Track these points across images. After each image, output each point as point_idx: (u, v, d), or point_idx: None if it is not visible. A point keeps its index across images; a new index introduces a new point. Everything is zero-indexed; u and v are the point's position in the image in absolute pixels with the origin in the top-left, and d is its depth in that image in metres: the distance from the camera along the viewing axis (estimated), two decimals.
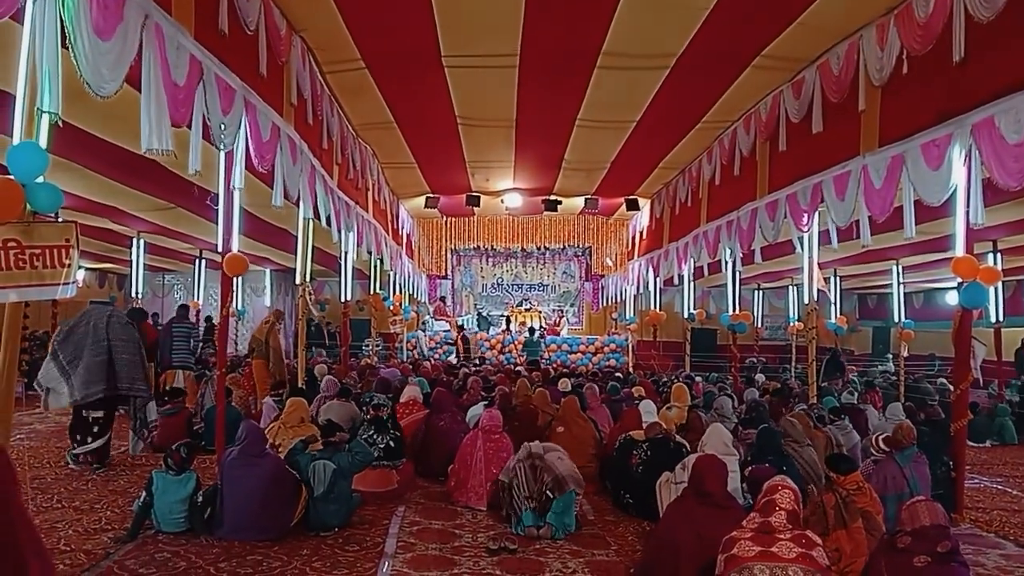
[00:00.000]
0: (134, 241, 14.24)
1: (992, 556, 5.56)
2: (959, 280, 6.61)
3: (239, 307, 17.84)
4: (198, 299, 17.19)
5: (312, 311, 9.77)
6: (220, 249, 6.69)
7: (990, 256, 12.01)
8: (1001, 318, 14.05)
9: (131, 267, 14.70)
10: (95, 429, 7.45)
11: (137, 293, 14.53)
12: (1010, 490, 8.11)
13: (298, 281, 9.24)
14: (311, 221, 9.22)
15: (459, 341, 19.58)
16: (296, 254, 9.15)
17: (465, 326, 21.88)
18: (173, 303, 20.34)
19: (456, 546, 5.37)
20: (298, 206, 8.76)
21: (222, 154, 6.49)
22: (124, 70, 4.53)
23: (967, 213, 6.28)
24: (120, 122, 5.57)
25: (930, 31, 6.52)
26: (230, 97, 6.26)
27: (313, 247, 9.57)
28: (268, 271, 21.02)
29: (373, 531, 5.64)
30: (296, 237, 9.13)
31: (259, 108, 7.01)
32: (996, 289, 13.07)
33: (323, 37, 8.66)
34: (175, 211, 11.71)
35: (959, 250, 6.49)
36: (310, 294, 9.52)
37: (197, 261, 17.15)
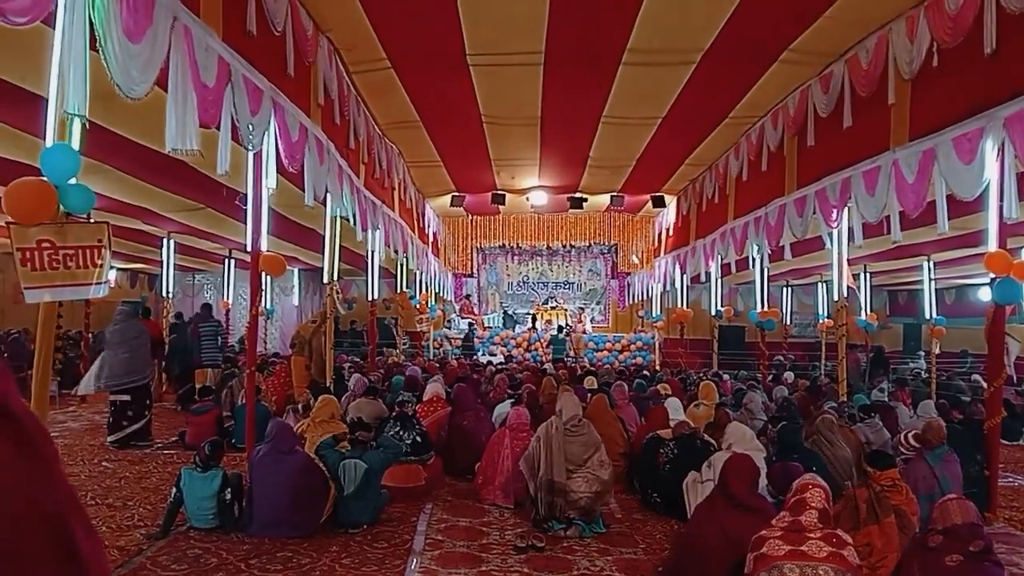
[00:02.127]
0: (164, 241, 14.42)
1: None
2: (992, 276, 6.51)
3: (268, 306, 18.01)
4: (228, 298, 17.38)
5: (339, 309, 9.82)
6: (249, 249, 6.75)
7: None
8: None
9: (162, 267, 14.88)
10: (129, 412, 8.65)
11: (167, 293, 14.71)
12: None
13: (326, 280, 9.31)
14: (339, 220, 9.28)
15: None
16: (323, 253, 9.21)
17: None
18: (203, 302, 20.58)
19: (484, 543, 5.39)
20: (325, 206, 8.83)
21: (250, 155, 6.55)
22: (154, 72, 4.60)
23: (1000, 207, 6.19)
24: (150, 124, 5.63)
25: (961, 23, 6.42)
26: (258, 98, 6.32)
27: (340, 246, 9.63)
28: (296, 270, 21.20)
29: (401, 528, 5.68)
30: (323, 236, 9.19)
31: (287, 109, 7.07)
32: None
33: (349, 37, 8.70)
34: (205, 212, 11.83)
35: (992, 245, 6.40)
36: (338, 293, 9.57)
37: (226, 261, 17.33)
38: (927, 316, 15.13)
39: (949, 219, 6.97)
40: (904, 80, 7.49)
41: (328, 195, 8.50)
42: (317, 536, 5.39)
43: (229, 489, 5.51)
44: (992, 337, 6.63)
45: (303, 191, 7.88)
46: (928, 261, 14.69)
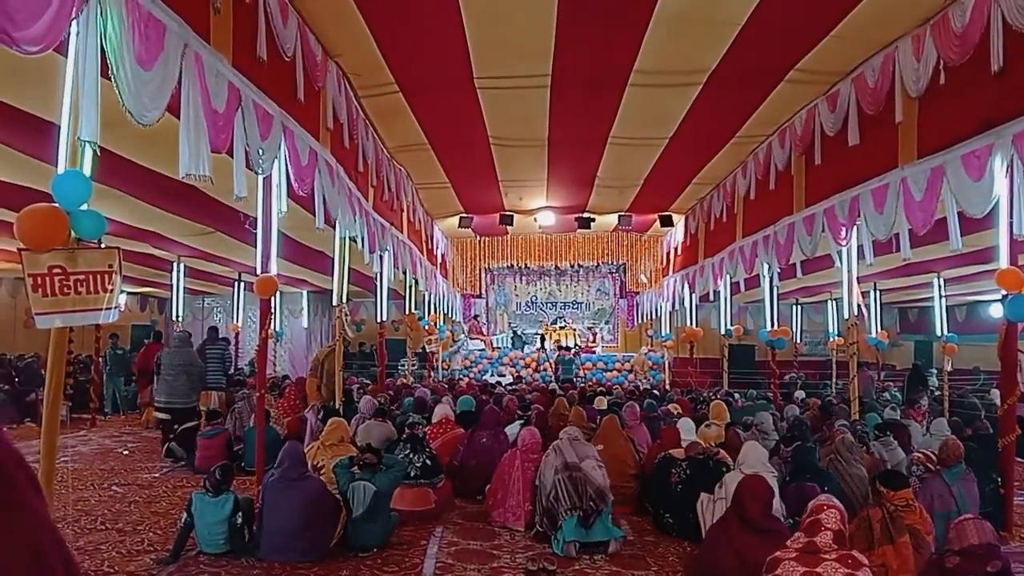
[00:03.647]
0: (174, 265, 14.49)
1: None
2: (1004, 292, 6.48)
3: (277, 329, 18.04)
4: (237, 321, 17.43)
5: (347, 332, 9.84)
6: (258, 272, 6.79)
7: None
8: None
9: (171, 291, 14.94)
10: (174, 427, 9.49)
11: (177, 316, 14.76)
12: None
13: (334, 302, 9.33)
14: (347, 243, 9.31)
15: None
16: (333, 276, 9.24)
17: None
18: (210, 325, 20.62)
19: (495, 567, 5.35)
20: (335, 228, 8.87)
21: (260, 179, 6.60)
22: (165, 99, 4.65)
23: (1011, 224, 6.17)
24: (161, 149, 5.70)
25: (967, 41, 6.45)
26: (268, 123, 6.38)
27: (349, 268, 9.66)
28: (305, 292, 21.23)
29: (411, 552, 5.64)
30: (332, 259, 9.22)
31: (297, 133, 7.13)
32: None
33: (358, 62, 8.79)
34: (214, 235, 11.89)
35: (1003, 262, 6.39)
36: (346, 315, 9.60)
37: (236, 284, 17.40)
38: (938, 333, 15.04)
39: (960, 235, 6.96)
40: (911, 98, 7.51)
41: (338, 218, 8.54)
42: (327, 560, 5.36)
43: (240, 513, 5.49)
44: (1005, 354, 6.59)
45: (313, 214, 7.93)
46: (938, 278, 14.62)
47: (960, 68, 6.65)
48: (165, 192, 8.76)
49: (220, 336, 12.14)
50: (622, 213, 17.32)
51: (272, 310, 8.68)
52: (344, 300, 9.40)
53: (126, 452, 9.94)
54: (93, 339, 13.69)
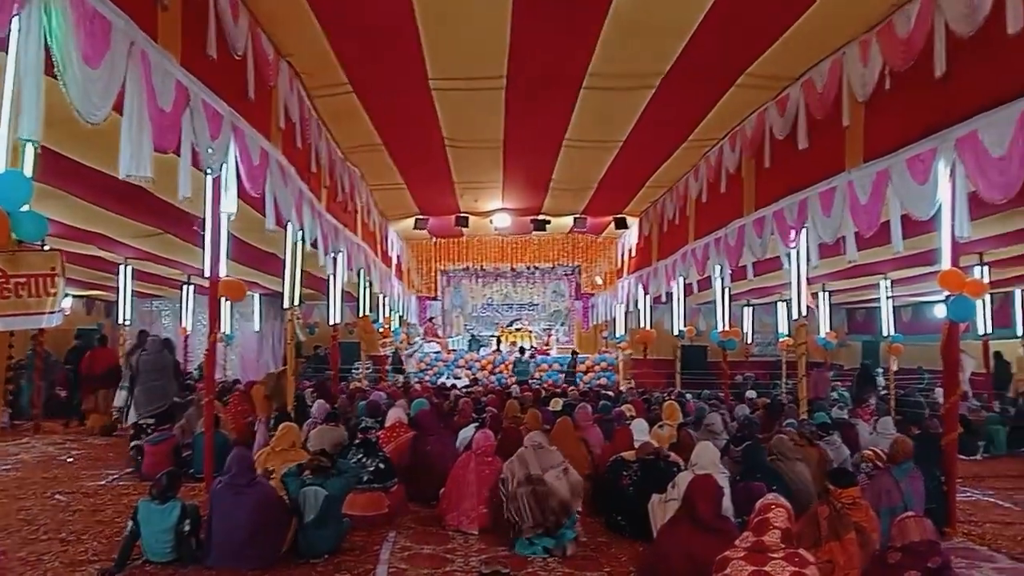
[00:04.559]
0: (121, 268, 14.16)
1: (985, 570, 5.55)
2: (946, 293, 6.65)
3: (228, 332, 17.76)
4: (186, 325, 17.10)
5: (299, 335, 9.74)
6: (207, 274, 6.66)
7: (977, 269, 12.07)
8: (989, 330, 14.13)
9: (118, 294, 14.60)
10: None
11: (124, 320, 14.42)
12: (1002, 503, 8.10)
13: (286, 306, 9.21)
14: (299, 245, 9.21)
15: None
16: (284, 278, 9.12)
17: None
18: (161, 329, 20.24)
19: (448, 571, 5.32)
20: (286, 230, 8.77)
21: (209, 179, 6.49)
22: (112, 97, 4.56)
23: (953, 227, 6.33)
24: (106, 148, 5.56)
25: (912, 47, 6.59)
26: (218, 123, 6.28)
27: (302, 271, 9.55)
28: (257, 295, 20.93)
29: (363, 557, 5.58)
30: (284, 261, 9.11)
31: (247, 133, 7.03)
32: (984, 302, 13.16)
33: (310, 62, 8.70)
34: (163, 237, 11.67)
35: (945, 263, 6.53)
36: (298, 318, 9.48)
37: (184, 287, 17.07)
38: (885, 333, 15.41)
39: (904, 238, 7.12)
40: (858, 103, 7.65)
41: (290, 220, 8.43)
42: (277, 567, 5.28)
43: (188, 521, 5.38)
44: (947, 354, 6.76)
45: (263, 215, 7.82)
46: (885, 279, 14.97)
47: (905, 74, 6.80)
48: (111, 193, 8.57)
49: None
50: (577, 215, 17.42)
51: (221, 313, 8.54)
52: (296, 303, 9.29)
53: (70, 460, 9.69)
54: (33, 343, 13.33)
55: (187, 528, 5.33)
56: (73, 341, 13.99)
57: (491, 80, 9.27)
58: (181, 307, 17.52)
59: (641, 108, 10.11)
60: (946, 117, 6.23)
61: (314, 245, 9.93)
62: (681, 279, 14.06)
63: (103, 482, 8.29)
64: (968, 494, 8.33)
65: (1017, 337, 15.97)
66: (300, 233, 9.00)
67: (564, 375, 20.12)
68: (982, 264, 12.24)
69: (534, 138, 11.70)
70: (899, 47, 6.80)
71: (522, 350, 21.56)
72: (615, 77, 9.10)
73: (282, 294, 9.32)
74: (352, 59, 8.72)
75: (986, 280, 11.54)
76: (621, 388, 17.61)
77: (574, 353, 21.14)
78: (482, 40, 8.23)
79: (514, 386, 15.51)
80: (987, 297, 12.94)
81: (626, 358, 19.68)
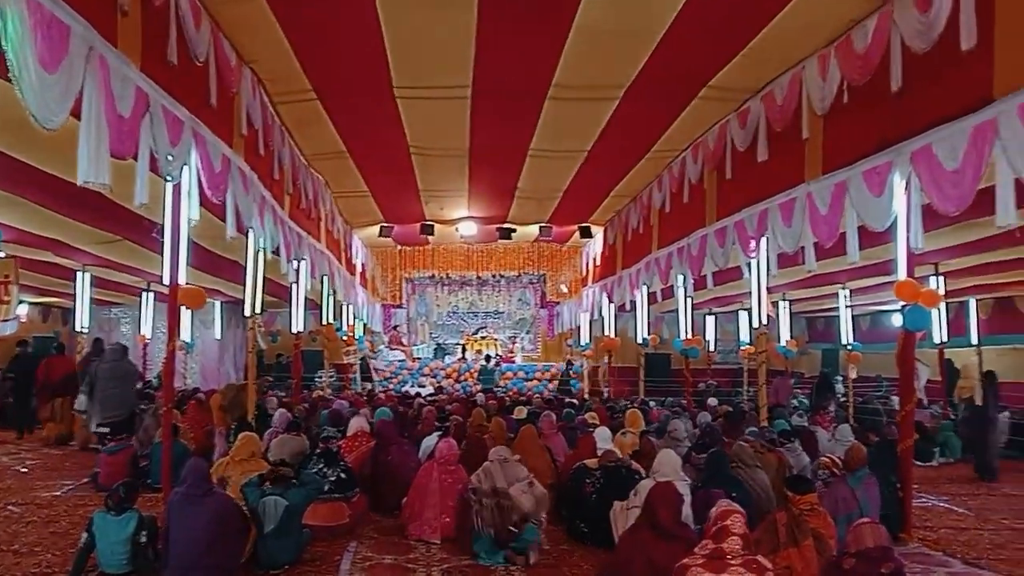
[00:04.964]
0: (79, 274, 13.89)
1: (940, 574, 5.66)
2: (902, 303, 6.78)
3: (189, 340, 17.52)
4: (145, 333, 16.83)
5: (260, 344, 9.64)
6: (166, 282, 6.57)
7: (932, 279, 12.31)
8: (945, 339, 14.43)
9: (75, 301, 14.31)
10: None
11: (82, 327, 14.14)
12: (956, 508, 8.29)
13: (247, 313, 9.11)
14: (261, 252, 9.12)
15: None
16: (245, 286, 9.03)
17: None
18: (120, 337, 19.89)
19: None
20: (248, 237, 8.68)
21: (168, 186, 6.41)
22: (70, 103, 4.47)
23: (908, 238, 6.46)
24: (64, 154, 5.47)
25: (869, 62, 6.72)
26: (178, 129, 6.20)
27: (264, 278, 9.45)
28: (218, 303, 20.67)
29: (324, 568, 5.54)
30: (246, 268, 9.02)
31: (209, 140, 6.95)
32: (939, 311, 13.44)
33: (273, 69, 8.63)
34: (122, 244, 11.48)
35: (901, 274, 6.67)
36: (260, 326, 9.39)
37: (143, 294, 16.80)
38: (844, 342, 15.66)
39: (862, 249, 7.23)
40: (817, 116, 7.78)
41: (252, 227, 8.35)
42: None
43: (144, 532, 5.30)
44: (903, 362, 6.90)
45: (224, 222, 7.73)
46: (844, 289, 15.22)
47: (862, 88, 6.92)
48: (69, 198, 8.41)
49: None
50: (543, 224, 17.44)
51: (180, 321, 8.43)
52: (258, 311, 9.19)
53: (24, 470, 9.48)
54: None
55: (144, 539, 5.25)
56: (16, 349, 13.56)
57: (457, 89, 9.27)
58: (140, 314, 17.23)
59: (605, 119, 10.19)
60: (902, 131, 6.35)
61: (276, 252, 9.83)
62: (645, 288, 14.14)
63: (58, 493, 8.14)
64: (924, 500, 8.50)
65: (972, 346, 16.36)
66: (262, 240, 8.91)
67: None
68: (937, 275, 12.48)
69: (500, 147, 11.72)
70: (857, 62, 6.93)
71: (488, 358, 21.55)
72: (579, 88, 9.15)
73: (243, 301, 9.22)
74: (316, 66, 8.68)
75: (941, 290, 11.79)
76: (585, 396, 17.67)
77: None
78: (448, 49, 8.23)
79: (479, 394, 15.50)
80: (942, 307, 13.20)
81: (600, 365, 19.74)
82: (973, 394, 10.09)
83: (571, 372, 20.54)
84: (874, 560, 3.67)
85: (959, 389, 13.42)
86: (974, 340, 16.25)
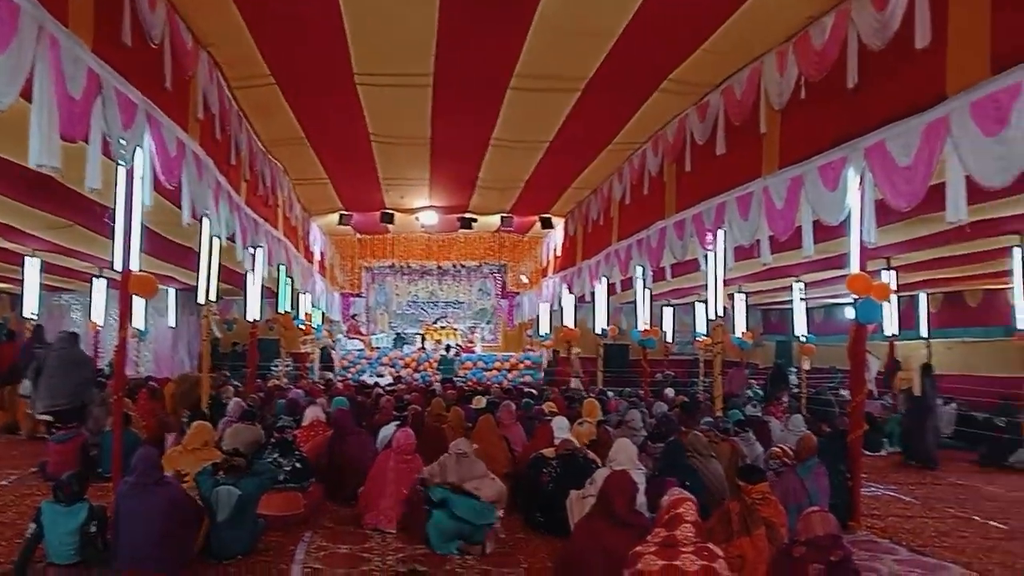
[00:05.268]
0: (27, 260, 13.54)
1: (887, 561, 5.80)
2: (854, 296, 6.92)
3: (142, 328, 17.19)
4: (97, 320, 16.48)
5: (215, 332, 9.51)
6: (118, 268, 6.44)
7: (884, 273, 12.56)
8: (896, 332, 14.75)
9: (23, 287, 13.95)
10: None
11: (31, 314, 13.78)
12: (903, 497, 8.50)
13: (201, 301, 8.98)
14: (217, 239, 8.98)
15: None
16: (200, 273, 8.89)
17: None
18: (71, 324, 19.44)
19: (364, 570, 5.30)
20: (203, 223, 8.54)
21: (121, 170, 6.28)
22: (20, 83, 4.37)
23: (861, 232, 6.59)
24: (11, 136, 5.32)
25: (826, 58, 6.82)
26: (131, 112, 6.07)
27: (220, 265, 9.31)
28: (172, 290, 20.30)
29: (278, 557, 5.50)
30: (199, 255, 8.88)
31: (163, 124, 6.82)
32: (891, 305, 13.73)
33: (231, 52, 8.49)
34: (73, 229, 11.21)
35: (854, 267, 6.79)
36: (214, 314, 9.25)
37: (95, 280, 16.43)
38: (797, 334, 15.92)
39: (816, 243, 7.37)
40: (775, 111, 7.89)
41: (206, 213, 8.22)
42: (188, 569, 5.16)
43: (94, 522, 5.20)
44: (854, 354, 7.04)
45: (179, 208, 7.60)
46: (798, 282, 15.46)
47: (819, 84, 7.03)
48: (18, 182, 8.19)
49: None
50: (504, 214, 17.45)
51: (132, 308, 8.27)
52: (213, 299, 9.06)
53: None
54: None
55: (93, 529, 5.16)
56: None
57: (418, 77, 9.21)
58: (92, 301, 16.86)
59: (567, 110, 10.21)
60: (857, 127, 6.46)
61: (232, 239, 9.70)
62: (604, 279, 14.23)
63: (5, 482, 7.96)
64: (872, 489, 8.69)
65: (921, 339, 16.74)
66: (217, 227, 8.77)
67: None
68: (889, 269, 12.74)
69: (461, 136, 11.69)
70: (814, 58, 7.03)
71: (448, 348, 21.51)
72: (541, 79, 9.15)
73: (198, 289, 9.08)
74: (275, 51, 8.55)
75: (892, 284, 12.05)
76: (544, 386, 17.75)
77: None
78: (409, 37, 8.17)
79: (436, 384, 15.48)
80: (893, 300, 13.47)
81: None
82: (912, 385, 10.40)
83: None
84: (823, 548, 3.75)
85: (898, 380, 13.77)
86: (924, 333, 16.64)
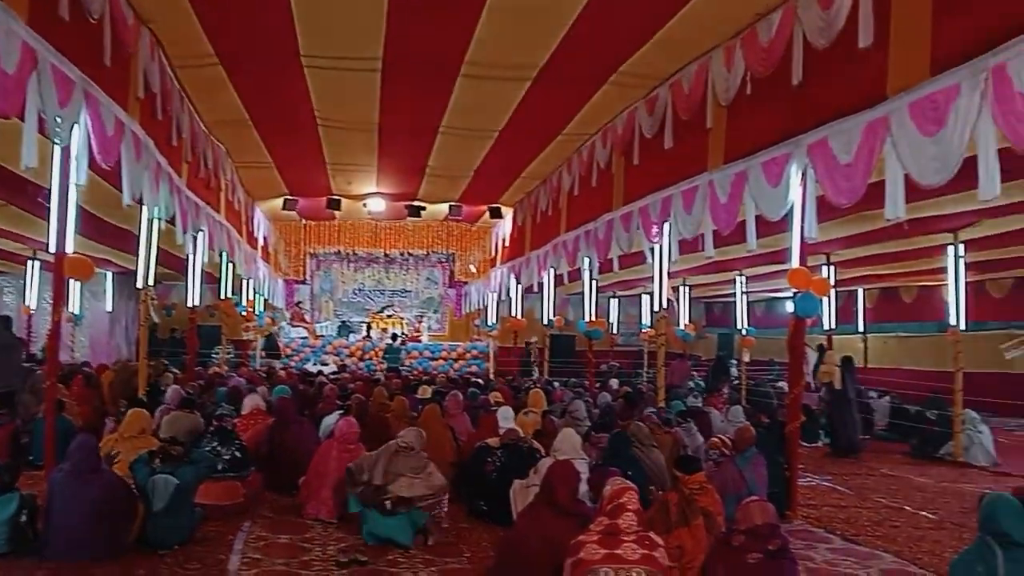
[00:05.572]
0: None
1: (821, 550, 5.94)
2: (794, 290, 7.06)
3: (77, 312, 16.70)
4: (30, 303, 15.96)
5: (154, 317, 9.28)
6: (52, 250, 6.24)
7: (824, 268, 12.84)
8: (834, 326, 15.12)
9: None
10: None
11: None
12: (838, 487, 8.72)
13: (139, 285, 8.75)
14: (157, 222, 8.76)
15: None
16: (138, 257, 8.66)
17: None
18: (4, 307, 18.82)
19: (304, 560, 5.24)
20: (142, 205, 8.32)
21: (57, 149, 6.08)
22: None
23: (802, 228, 6.71)
24: None
25: (772, 55, 6.92)
26: (68, 89, 5.86)
27: (159, 249, 9.09)
28: (110, 273, 19.76)
29: (216, 547, 5.40)
30: (139, 238, 8.65)
31: (102, 102, 6.60)
32: (829, 299, 14.06)
33: (173, 30, 8.25)
34: (7, 209, 10.84)
35: (794, 262, 6.92)
36: (153, 299, 9.03)
37: (30, 262, 15.91)
38: (739, 327, 16.22)
39: (759, 238, 7.50)
40: (721, 106, 7.98)
41: (144, 194, 8.00)
42: (123, 559, 5.03)
43: (25, 511, 5.05)
44: (793, 347, 7.20)
45: (118, 189, 7.39)
46: (741, 276, 15.74)
47: (765, 80, 7.13)
48: None
49: None
50: (453, 203, 17.39)
51: (68, 292, 8.02)
52: (151, 283, 8.84)
53: None
54: None
55: (24, 518, 5.01)
56: None
57: (367, 61, 9.09)
58: (25, 284, 16.31)
59: (517, 100, 10.19)
60: (800, 124, 6.57)
61: (172, 222, 9.46)
62: (552, 270, 14.28)
63: None
64: (808, 479, 8.88)
65: (858, 333, 17.23)
66: (156, 209, 8.55)
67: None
68: (828, 264, 13.04)
69: (410, 123, 11.59)
70: (761, 54, 7.13)
71: (394, 337, 21.38)
72: (492, 67, 9.11)
73: (136, 273, 8.85)
74: (219, 30, 8.34)
75: (831, 279, 12.33)
76: (491, 375, 17.78)
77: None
78: (358, 19, 8.04)
79: (379, 373, 15.38)
80: (832, 295, 13.80)
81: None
82: (833, 378, 10.72)
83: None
84: (762, 537, 3.81)
85: (821, 373, 14.13)
86: (861, 328, 17.11)
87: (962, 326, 10.83)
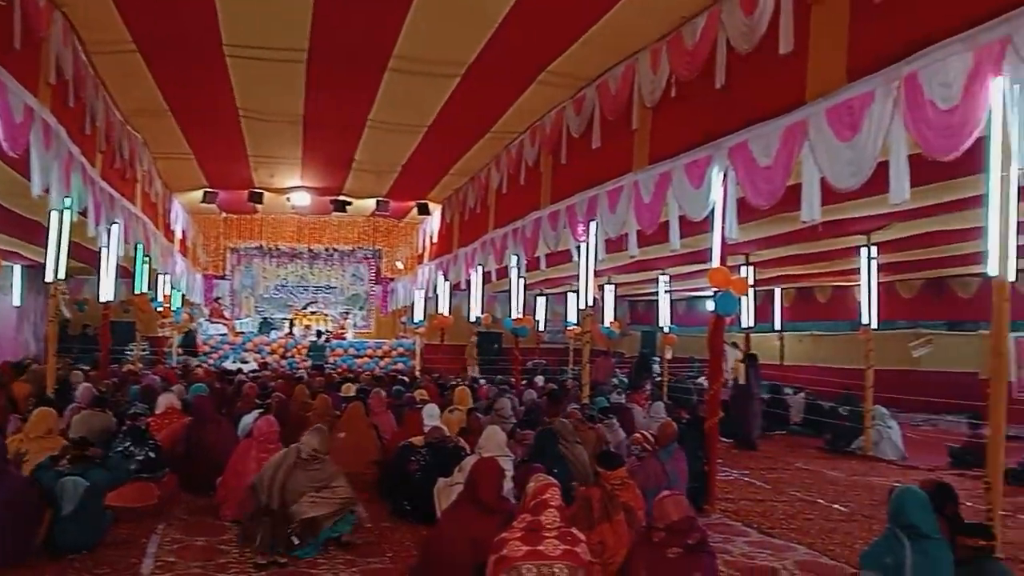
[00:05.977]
0: None
1: (738, 543, 6.11)
2: (714, 289, 7.21)
3: None
4: None
5: (65, 313, 8.90)
6: None
7: (743, 268, 13.13)
8: (752, 324, 15.51)
9: None
10: None
11: None
12: (755, 481, 8.95)
13: (49, 279, 8.38)
14: (68, 214, 8.39)
15: None
16: (47, 250, 8.29)
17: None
18: None
19: (221, 563, 5.11)
20: (52, 196, 7.96)
21: None
22: None
23: (723, 228, 6.86)
24: None
25: (697, 58, 7.06)
26: None
27: (71, 242, 8.71)
28: (18, 267, 18.89)
29: (128, 551, 5.22)
30: (48, 230, 8.28)
31: (10, 87, 6.29)
32: (748, 298, 14.43)
33: (88, 15, 7.93)
34: None
35: (715, 262, 7.08)
36: (64, 294, 8.65)
37: None
38: (661, 324, 16.50)
39: (682, 238, 7.64)
40: (647, 108, 8.11)
41: (54, 184, 7.66)
42: (29, 563, 4.82)
43: None
44: (713, 344, 7.36)
45: (27, 179, 7.06)
46: (664, 275, 16.00)
47: (689, 83, 7.28)
48: None
49: None
50: (380, 198, 17.20)
51: None
52: (62, 277, 8.48)
53: None
54: None
55: None
56: None
57: (292, 52, 8.92)
58: None
59: (446, 95, 10.16)
60: (722, 127, 6.73)
61: (84, 214, 9.08)
62: (480, 267, 14.28)
63: None
64: (726, 473, 9.10)
65: (775, 331, 17.71)
66: (67, 200, 8.19)
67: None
68: (747, 264, 13.34)
69: (336, 116, 11.43)
70: (686, 57, 7.27)
71: (318, 334, 21.06)
72: (421, 62, 9.06)
73: (45, 266, 8.47)
74: (137, 15, 8.04)
75: (750, 279, 12.64)
76: (416, 373, 17.67)
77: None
78: (283, 9, 7.90)
79: (303, 371, 15.12)
80: (751, 294, 14.16)
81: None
82: (738, 375, 11.04)
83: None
84: (681, 532, 3.88)
85: (732, 371, 14.61)
86: (777, 326, 17.60)
87: (874, 325, 11.24)
